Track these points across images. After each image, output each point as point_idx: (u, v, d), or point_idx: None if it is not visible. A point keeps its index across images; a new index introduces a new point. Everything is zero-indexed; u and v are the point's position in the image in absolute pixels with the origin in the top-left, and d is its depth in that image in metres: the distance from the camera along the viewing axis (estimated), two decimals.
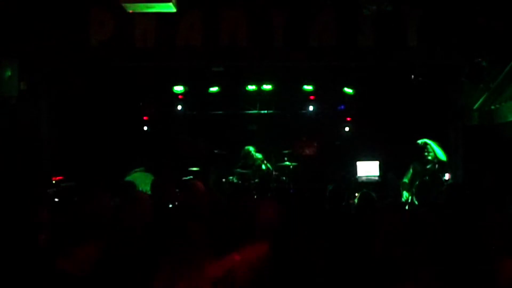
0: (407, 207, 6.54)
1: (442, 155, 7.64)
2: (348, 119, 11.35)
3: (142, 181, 8.66)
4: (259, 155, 9.73)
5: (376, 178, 9.97)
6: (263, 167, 9.70)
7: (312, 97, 10.94)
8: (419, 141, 7.69)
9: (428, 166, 7.67)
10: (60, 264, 2.88)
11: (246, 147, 9.81)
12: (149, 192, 8.08)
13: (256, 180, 9.41)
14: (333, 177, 10.31)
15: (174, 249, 2.64)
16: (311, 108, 11.07)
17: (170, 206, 4.92)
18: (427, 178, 7.47)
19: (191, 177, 8.50)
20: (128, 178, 8.66)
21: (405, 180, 7.83)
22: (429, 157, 7.79)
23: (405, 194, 7.56)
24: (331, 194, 5.72)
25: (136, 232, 3.71)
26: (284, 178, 9.85)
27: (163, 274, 2.45)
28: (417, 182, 7.26)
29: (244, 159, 9.78)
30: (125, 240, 3.51)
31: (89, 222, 3.69)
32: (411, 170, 7.84)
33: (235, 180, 9.48)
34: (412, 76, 9.44)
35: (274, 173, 9.76)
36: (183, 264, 2.50)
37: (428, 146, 7.70)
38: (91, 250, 3.00)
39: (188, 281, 2.46)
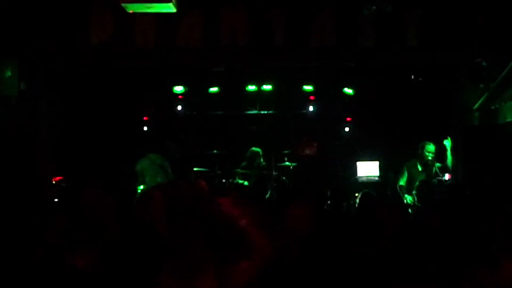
0: (410, 210, 6.54)
1: (450, 163, 7.78)
2: (348, 119, 11.35)
3: (151, 173, 8.72)
4: (262, 162, 9.76)
5: (376, 178, 9.97)
6: (264, 170, 9.71)
7: (312, 97, 10.94)
8: (446, 142, 7.82)
9: (434, 169, 7.74)
10: (69, 260, 2.88)
11: (253, 148, 9.81)
12: (158, 180, 8.13)
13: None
14: (333, 177, 10.33)
15: (179, 249, 2.64)
16: (311, 108, 11.07)
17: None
18: (435, 180, 7.52)
19: None
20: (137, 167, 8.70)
21: (402, 183, 7.86)
22: (429, 157, 7.83)
23: (409, 198, 7.57)
24: (332, 194, 5.73)
25: (148, 230, 3.70)
26: (284, 178, 9.85)
27: (169, 274, 2.45)
28: (417, 183, 7.30)
29: (249, 160, 9.78)
30: (134, 239, 3.51)
31: (92, 221, 3.70)
32: (406, 173, 7.89)
33: (239, 181, 9.48)
34: (412, 76, 9.44)
35: (274, 173, 9.76)
36: (188, 265, 2.50)
37: (427, 147, 7.79)
38: (98, 247, 3.00)
39: (193, 282, 2.45)
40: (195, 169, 9.95)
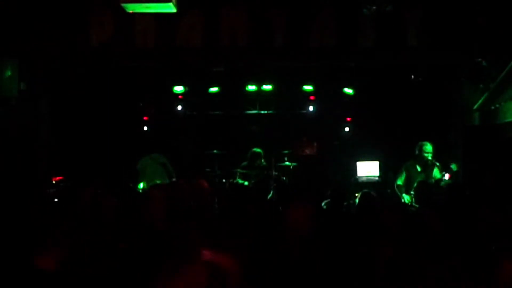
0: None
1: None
2: (348, 119, 11.34)
3: (152, 170, 8.77)
4: (263, 162, 9.76)
5: (376, 178, 9.95)
6: (265, 170, 9.70)
7: (312, 97, 10.93)
8: (452, 166, 7.88)
9: (435, 171, 7.75)
10: (68, 260, 2.88)
11: (254, 149, 9.81)
12: (158, 181, 8.20)
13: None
14: (333, 177, 10.32)
15: (174, 249, 2.64)
16: (311, 108, 11.06)
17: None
18: (432, 180, 7.52)
19: None
20: (138, 165, 8.77)
21: (399, 182, 7.88)
22: (428, 157, 7.83)
23: (407, 197, 7.58)
24: (332, 194, 5.72)
25: (148, 230, 3.71)
26: (284, 178, 9.84)
27: (168, 274, 2.45)
28: (415, 184, 7.30)
29: (249, 160, 9.77)
30: (134, 239, 3.51)
31: (92, 221, 3.69)
32: (404, 173, 7.90)
33: (239, 181, 9.48)
34: (412, 76, 9.44)
35: (274, 173, 9.76)
36: (183, 264, 2.50)
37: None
38: (97, 247, 3.00)
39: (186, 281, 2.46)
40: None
